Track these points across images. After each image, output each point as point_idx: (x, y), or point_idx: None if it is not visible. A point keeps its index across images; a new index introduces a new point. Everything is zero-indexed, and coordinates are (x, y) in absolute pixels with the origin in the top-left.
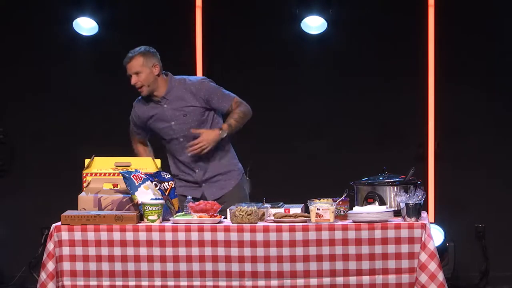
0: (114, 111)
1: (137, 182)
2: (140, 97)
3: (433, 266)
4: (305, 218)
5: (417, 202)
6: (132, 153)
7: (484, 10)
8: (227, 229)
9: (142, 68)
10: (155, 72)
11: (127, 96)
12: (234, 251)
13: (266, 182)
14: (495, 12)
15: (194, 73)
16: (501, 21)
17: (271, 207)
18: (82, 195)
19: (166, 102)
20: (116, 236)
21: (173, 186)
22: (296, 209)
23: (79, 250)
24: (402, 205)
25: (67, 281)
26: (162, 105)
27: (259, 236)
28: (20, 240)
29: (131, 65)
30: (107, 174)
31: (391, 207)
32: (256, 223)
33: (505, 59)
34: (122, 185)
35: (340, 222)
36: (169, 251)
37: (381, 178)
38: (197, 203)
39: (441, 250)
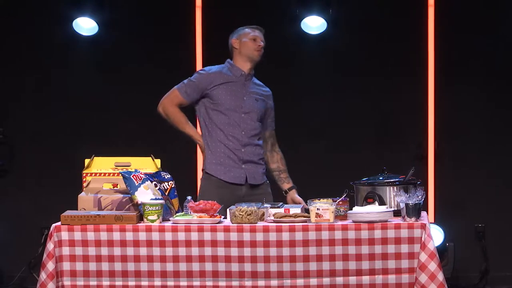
0: (114, 111)
1: (137, 182)
2: (215, 68)
3: (433, 266)
4: (305, 218)
5: (417, 202)
6: (132, 152)
7: (483, 9)
8: (227, 229)
9: None
10: None
11: (127, 96)
12: (234, 251)
13: None
14: (495, 12)
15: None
16: (501, 21)
17: (271, 207)
18: (82, 195)
19: (248, 81)
20: (116, 236)
21: (173, 186)
22: (296, 209)
23: (79, 250)
24: (402, 205)
25: (67, 281)
26: (241, 79)
27: (259, 236)
28: (20, 240)
29: (261, 34)
30: (107, 174)
31: (391, 207)
32: (256, 223)
33: (505, 59)
34: (122, 185)
35: (340, 222)
36: (169, 251)
37: (381, 178)
38: (197, 203)
39: (441, 250)
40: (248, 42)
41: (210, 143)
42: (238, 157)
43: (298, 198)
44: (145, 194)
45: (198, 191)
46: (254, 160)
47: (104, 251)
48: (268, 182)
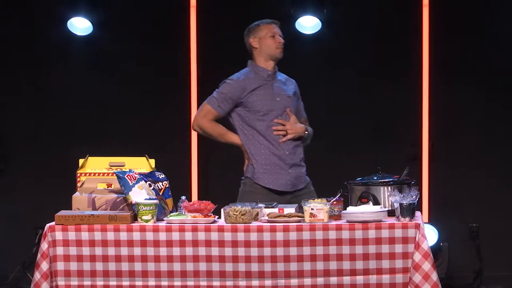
0: (108, 111)
1: (131, 182)
2: (241, 75)
3: (427, 266)
4: (299, 218)
5: (411, 202)
6: (126, 152)
7: (478, 9)
8: (221, 229)
9: None
10: None
11: (122, 96)
12: (228, 251)
13: None
14: (489, 12)
15: (189, 73)
16: (495, 20)
17: (265, 207)
18: (76, 195)
19: (275, 80)
20: (110, 236)
21: (167, 186)
22: (290, 209)
23: (73, 250)
24: (396, 205)
25: (61, 281)
26: (270, 80)
27: (253, 236)
28: (14, 239)
29: (278, 28)
30: (101, 174)
31: (385, 207)
32: (250, 223)
33: (500, 59)
34: (116, 185)
35: (334, 222)
36: (163, 251)
37: (375, 178)
38: (191, 202)
39: (435, 250)
40: (267, 40)
41: (253, 151)
42: (284, 162)
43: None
44: (139, 194)
45: (237, 197)
46: (297, 162)
47: (98, 251)
48: (310, 180)
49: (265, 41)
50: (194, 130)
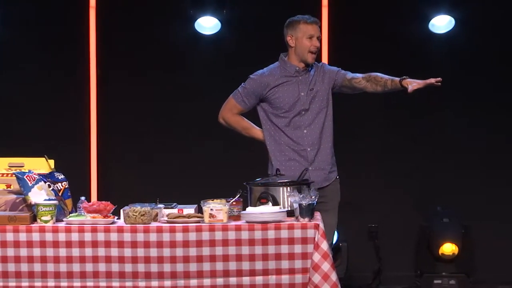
0: (8, 111)
1: (31, 182)
2: (267, 70)
3: (326, 266)
4: (198, 219)
5: (310, 202)
6: (25, 153)
7: (377, 10)
8: (120, 230)
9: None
10: None
11: (21, 96)
12: (128, 252)
13: (160, 182)
14: (387, 12)
15: (88, 74)
16: (393, 21)
17: (164, 208)
18: None
19: (301, 75)
20: (9, 236)
21: (66, 186)
22: (189, 210)
23: None
24: (295, 206)
25: None
26: (296, 76)
27: (153, 237)
28: None
29: (318, 28)
30: (0, 175)
31: (284, 208)
32: (150, 223)
33: (398, 59)
34: (15, 186)
35: (233, 223)
36: (62, 252)
37: (274, 178)
38: (90, 203)
39: (334, 250)
40: (303, 41)
41: (273, 147)
42: (304, 158)
43: (411, 80)
44: (39, 194)
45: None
46: (321, 160)
47: None
48: (338, 177)
49: (301, 42)
50: (220, 122)
